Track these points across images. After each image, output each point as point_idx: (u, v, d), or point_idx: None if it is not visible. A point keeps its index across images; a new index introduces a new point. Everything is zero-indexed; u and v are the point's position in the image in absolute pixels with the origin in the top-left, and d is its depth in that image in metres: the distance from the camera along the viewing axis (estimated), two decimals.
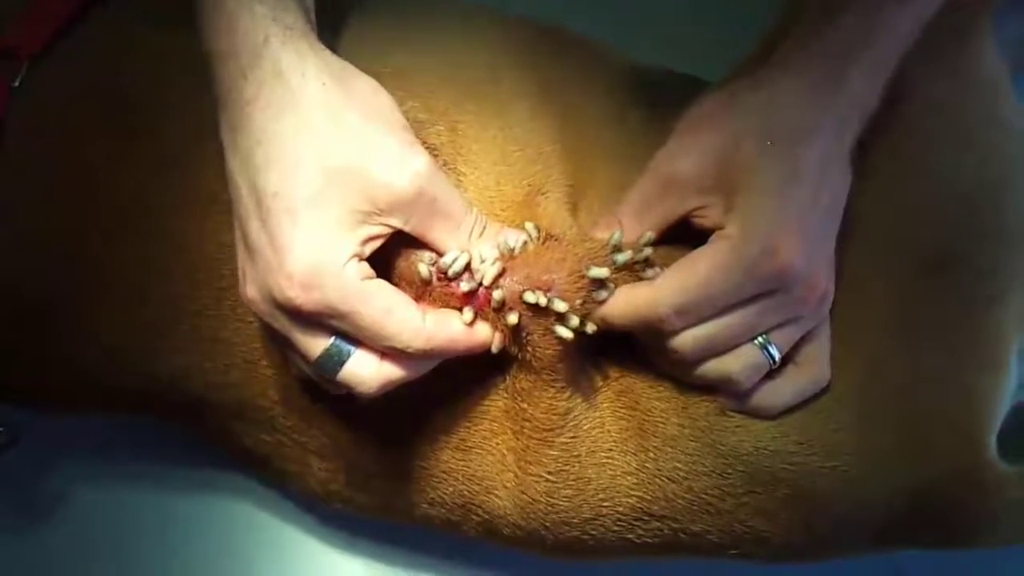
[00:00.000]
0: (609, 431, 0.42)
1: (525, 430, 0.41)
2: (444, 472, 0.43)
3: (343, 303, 0.34)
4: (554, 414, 0.41)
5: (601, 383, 0.42)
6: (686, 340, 0.38)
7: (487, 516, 0.44)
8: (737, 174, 0.37)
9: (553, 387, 0.40)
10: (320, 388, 0.39)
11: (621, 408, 0.42)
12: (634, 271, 0.40)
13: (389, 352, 0.36)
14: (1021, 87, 0.45)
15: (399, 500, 0.45)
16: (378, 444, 0.44)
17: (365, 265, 0.35)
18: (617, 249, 0.39)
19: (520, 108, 0.44)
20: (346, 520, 0.55)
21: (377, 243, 0.36)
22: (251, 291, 0.35)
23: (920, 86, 0.42)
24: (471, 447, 0.43)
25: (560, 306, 0.38)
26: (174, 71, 0.44)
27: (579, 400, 0.41)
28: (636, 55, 0.49)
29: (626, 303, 0.38)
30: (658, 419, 0.41)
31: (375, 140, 0.35)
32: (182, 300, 0.43)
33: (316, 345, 0.35)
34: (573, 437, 0.41)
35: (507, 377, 0.42)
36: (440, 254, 0.38)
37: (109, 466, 0.56)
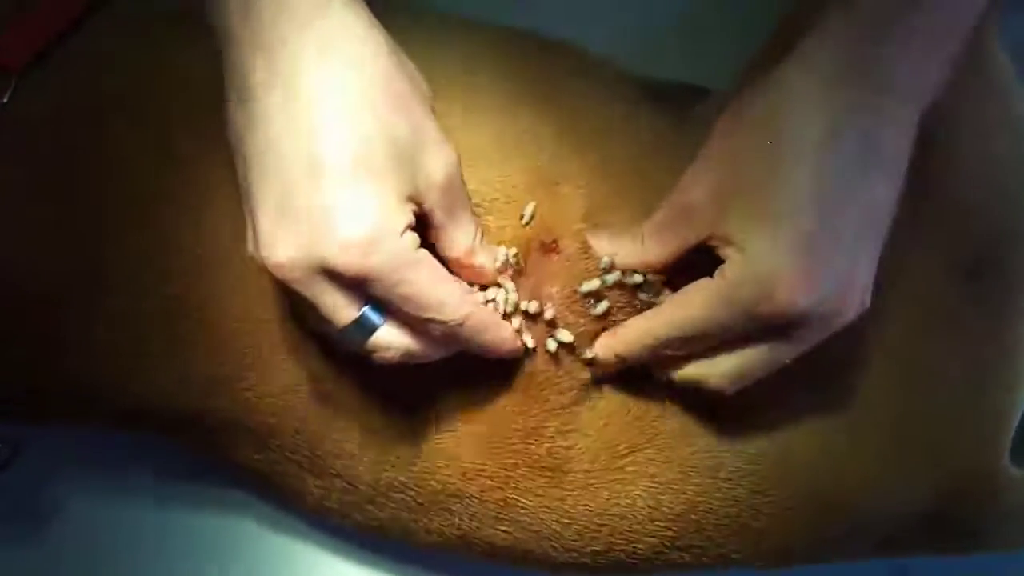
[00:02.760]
0: (622, 459, 0.42)
1: (531, 463, 0.41)
2: (442, 505, 0.43)
3: (396, 270, 0.34)
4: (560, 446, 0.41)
5: (607, 406, 0.42)
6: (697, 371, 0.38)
7: (488, 547, 0.44)
8: (736, 204, 0.34)
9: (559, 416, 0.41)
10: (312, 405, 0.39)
11: (635, 434, 0.42)
12: (631, 292, 0.40)
13: (420, 326, 0.36)
14: None
15: (395, 526, 0.45)
16: (372, 465, 0.43)
17: (416, 237, 0.35)
18: (607, 271, 0.39)
19: (508, 106, 0.44)
20: (349, 533, 0.54)
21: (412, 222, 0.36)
22: (282, 255, 0.34)
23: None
24: (471, 479, 0.42)
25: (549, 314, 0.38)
26: (173, 84, 0.44)
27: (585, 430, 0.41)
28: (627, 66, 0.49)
29: (622, 333, 0.38)
30: (677, 441, 0.41)
31: (425, 123, 0.36)
32: (177, 308, 0.42)
33: (348, 313, 0.35)
34: (587, 471, 0.41)
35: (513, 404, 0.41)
36: (448, 252, 0.38)
37: (108, 481, 0.56)
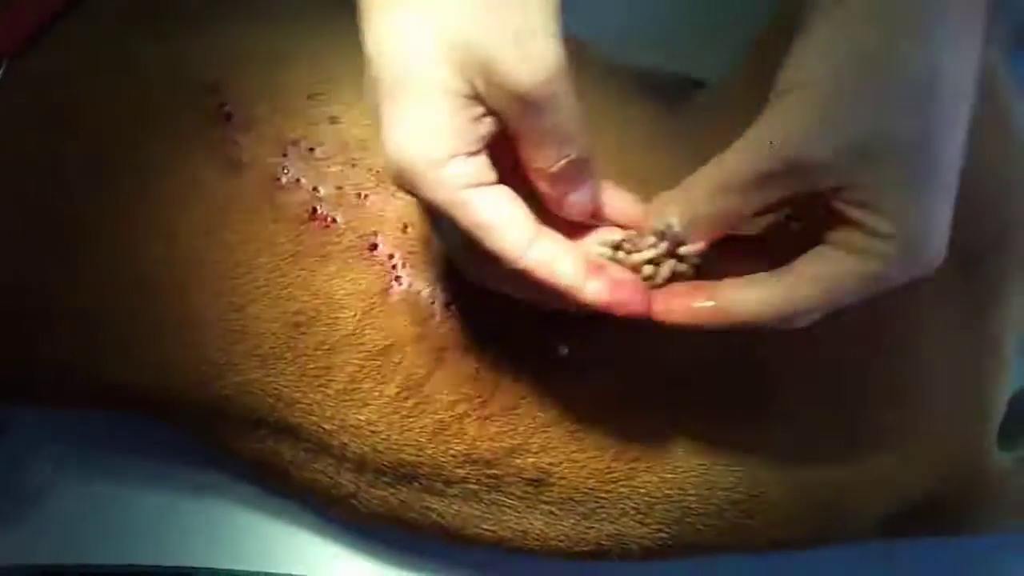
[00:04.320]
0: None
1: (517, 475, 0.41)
2: (423, 503, 0.43)
3: (440, 206, 0.30)
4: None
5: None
6: None
7: (472, 541, 0.44)
8: (886, 165, 0.29)
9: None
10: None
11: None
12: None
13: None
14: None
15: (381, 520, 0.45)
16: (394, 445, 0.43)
17: (477, 163, 0.30)
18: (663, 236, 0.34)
19: None
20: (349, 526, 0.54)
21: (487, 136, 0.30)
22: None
23: None
24: (455, 483, 0.42)
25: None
26: (153, 72, 0.43)
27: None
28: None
29: (758, 300, 0.31)
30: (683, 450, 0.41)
31: (511, 15, 0.29)
32: (175, 299, 0.42)
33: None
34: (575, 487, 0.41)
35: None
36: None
37: (95, 459, 0.55)
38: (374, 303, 0.41)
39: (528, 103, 0.29)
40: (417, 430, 0.41)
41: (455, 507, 0.42)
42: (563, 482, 0.41)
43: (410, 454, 0.41)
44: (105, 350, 0.43)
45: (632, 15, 0.58)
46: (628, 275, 0.33)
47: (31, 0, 0.44)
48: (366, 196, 0.42)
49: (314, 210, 0.42)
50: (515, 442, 0.40)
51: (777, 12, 0.43)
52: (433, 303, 0.41)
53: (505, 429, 0.40)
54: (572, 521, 0.42)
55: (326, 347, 0.41)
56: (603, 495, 0.41)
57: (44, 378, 0.46)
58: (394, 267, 0.41)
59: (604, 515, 0.41)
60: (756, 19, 0.43)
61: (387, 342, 0.41)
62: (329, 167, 0.42)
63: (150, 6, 0.46)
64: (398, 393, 0.41)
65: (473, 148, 0.30)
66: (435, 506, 0.43)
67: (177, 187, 0.42)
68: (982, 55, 0.31)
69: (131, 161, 0.42)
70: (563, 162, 0.31)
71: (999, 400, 0.42)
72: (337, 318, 0.41)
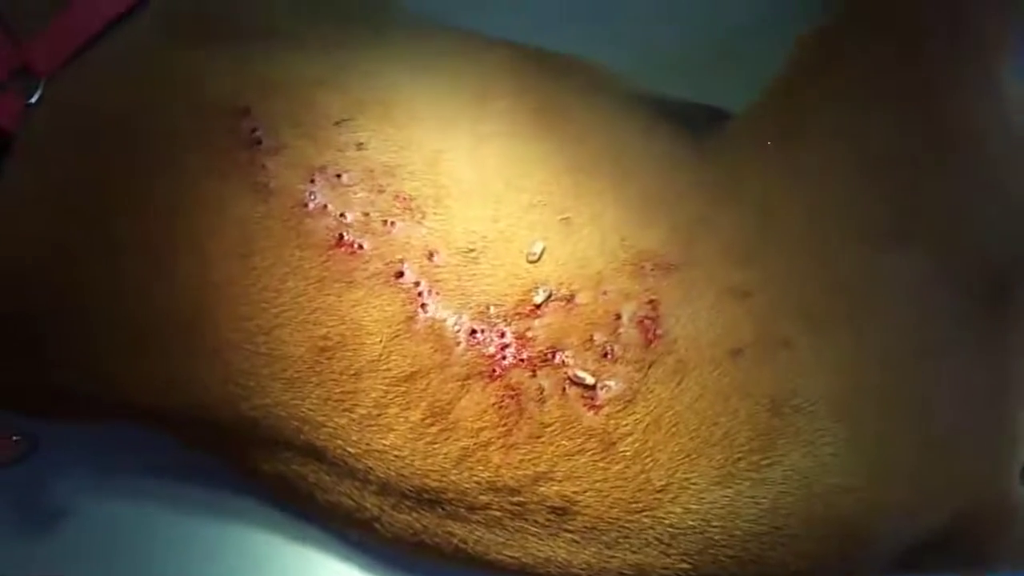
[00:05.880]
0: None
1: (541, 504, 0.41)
2: (447, 528, 0.43)
3: None
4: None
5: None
6: None
7: (492, 567, 0.44)
8: None
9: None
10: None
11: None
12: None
13: None
14: None
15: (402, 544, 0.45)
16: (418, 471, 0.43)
17: None
18: None
19: (519, 131, 0.44)
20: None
21: None
22: None
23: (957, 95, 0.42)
24: (478, 509, 0.42)
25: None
26: (188, 95, 0.44)
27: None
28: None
29: None
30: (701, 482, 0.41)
31: None
32: (205, 320, 0.43)
33: None
34: (597, 516, 0.41)
35: None
36: None
37: (121, 477, 0.56)
38: (400, 330, 0.41)
39: None
40: (441, 456, 0.41)
41: (478, 533, 0.43)
42: (587, 511, 0.41)
43: (434, 480, 0.41)
44: (137, 368, 0.44)
45: (659, 46, 0.58)
46: None
47: (69, 23, 0.45)
48: (392, 223, 0.42)
49: (341, 236, 0.42)
50: (539, 470, 0.41)
51: (797, 40, 0.43)
52: (458, 331, 0.41)
53: (530, 457, 0.41)
54: (595, 550, 0.42)
55: (352, 372, 0.41)
56: (627, 524, 0.41)
57: (75, 394, 0.46)
58: (420, 295, 0.42)
59: (627, 545, 0.41)
60: (778, 51, 0.43)
61: (412, 368, 0.41)
62: (356, 193, 0.43)
63: (185, 31, 0.46)
64: (423, 419, 0.41)
65: None
66: (458, 532, 0.43)
67: (210, 210, 0.42)
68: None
69: (166, 182, 0.43)
70: None
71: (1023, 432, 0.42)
72: (363, 344, 0.41)
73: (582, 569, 0.42)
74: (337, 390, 0.42)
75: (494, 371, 0.41)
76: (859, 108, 0.44)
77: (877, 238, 0.43)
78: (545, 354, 0.41)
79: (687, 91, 0.49)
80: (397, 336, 0.41)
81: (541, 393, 0.41)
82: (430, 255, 0.42)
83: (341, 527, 0.47)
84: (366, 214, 0.42)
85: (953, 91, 0.44)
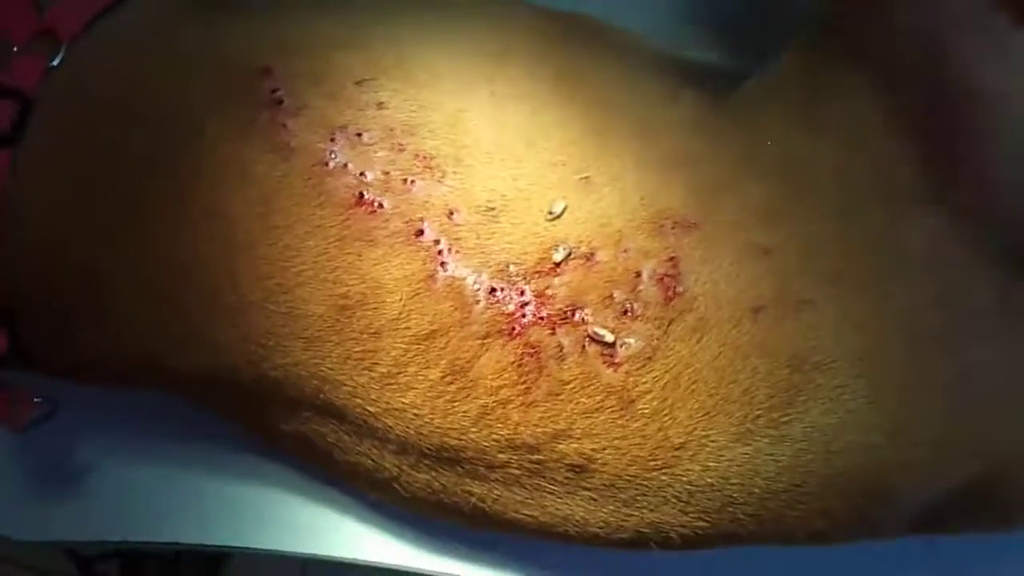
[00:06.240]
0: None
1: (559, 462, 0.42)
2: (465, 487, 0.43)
3: None
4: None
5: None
6: None
7: (509, 526, 0.44)
8: None
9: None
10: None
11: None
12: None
13: None
14: None
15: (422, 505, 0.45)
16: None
17: None
18: None
19: (540, 93, 0.44)
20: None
21: None
22: None
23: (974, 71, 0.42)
24: (496, 467, 0.42)
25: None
26: (208, 57, 0.44)
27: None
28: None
29: None
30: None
31: None
32: (226, 280, 0.43)
33: None
34: (616, 475, 0.41)
35: None
36: None
37: (145, 442, 0.57)
38: (419, 288, 0.41)
39: None
40: (460, 414, 0.41)
41: (496, 492, 0.43)
42: (605, 468, 0.41)
43: (453, 438, 0.42)
44: (158, 329, 0.44)
45: (682, 9, 0.58)
46: None
47: None
48: (412, 182, 0.42)
49: (361, 195, 0.42)
50: (558, 428, 0.41)
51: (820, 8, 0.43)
52: (478, 289, 0.41)
53: (548, 415, 0.41)
54: (612, 507, 0.42)
55: (372, 331, 0.42)
56: (645, 482, 0.41)
57: (97, 356, 0.47)
58: (440, 253, 0.42)
59: (645, 503, 0.41)
60: (802, 13, 0.43)
61: (432, 327, 0.41)
62: (376, 152, 0.43)
63: None
64: (442, 377, 0.41)
65: None
66: (476, 490, 0.43)
67: (231, 170, 0.43)
68: None
69: (188, 143, 0.43)
70: None
71: None
72: (383, 302, 0.41)
73: (599, 528, 0.42)
74: (357, 349, 0.42)
75: (513, 329, 0.41)
76: (884, 68, 0.44)
77: (903, 200, 0.42)
78: (565, 312, 0.41)
79: (710, 53, 0.49)
80: (417, 294, 0.41)
81: (560, 351, 0.41)
82: (450, 214, 0.42)
83: (361, 488, 0.48)
84: (386, 173, 0.42)
85: (977, 52, 0.43)
